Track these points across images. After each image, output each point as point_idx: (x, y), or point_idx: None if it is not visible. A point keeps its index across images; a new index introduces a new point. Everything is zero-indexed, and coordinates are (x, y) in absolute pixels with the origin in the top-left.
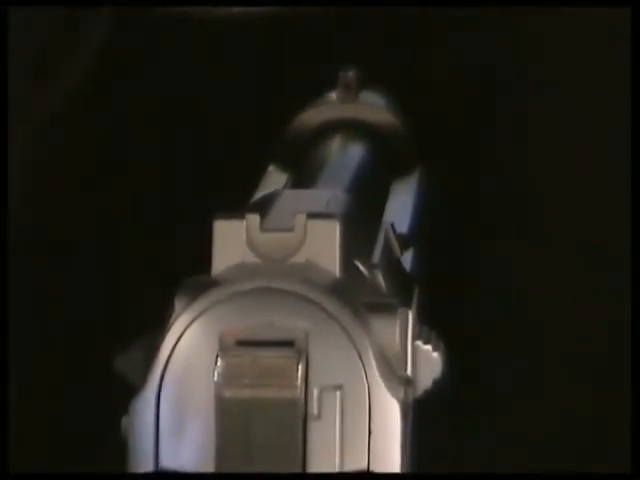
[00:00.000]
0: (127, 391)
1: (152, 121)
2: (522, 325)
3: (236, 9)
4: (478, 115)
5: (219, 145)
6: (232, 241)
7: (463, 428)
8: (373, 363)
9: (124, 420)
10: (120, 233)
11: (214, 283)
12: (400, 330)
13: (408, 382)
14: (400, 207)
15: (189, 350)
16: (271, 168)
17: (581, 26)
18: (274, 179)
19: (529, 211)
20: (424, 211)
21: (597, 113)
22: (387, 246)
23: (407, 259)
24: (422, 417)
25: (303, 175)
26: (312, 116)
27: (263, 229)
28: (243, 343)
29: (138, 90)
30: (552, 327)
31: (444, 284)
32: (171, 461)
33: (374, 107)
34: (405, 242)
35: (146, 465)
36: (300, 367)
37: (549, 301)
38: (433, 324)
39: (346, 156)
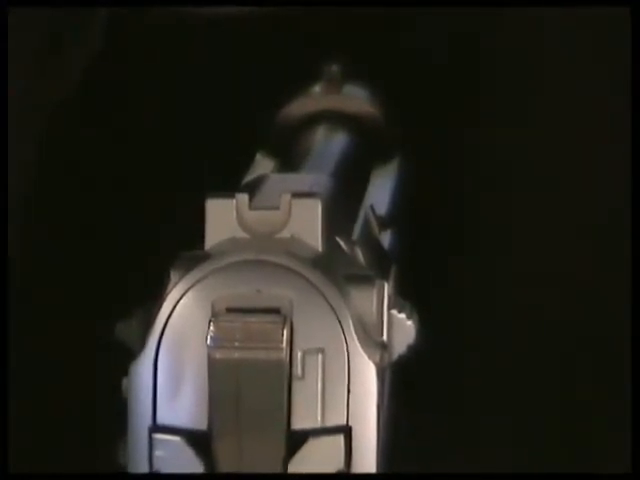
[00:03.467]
0: (127, 355)
1: (151, 120)
2: (521, 321)
3: (236, 9)
4: (475, 112)
5: (217, 140)
6: (223, 218)
7: (462, 427)
8: (352, 329)
9: (124, 381)
10: (120, 223)
11: (207, 256)
12: (377, 299)
13: (384, 347)
14: (380, 191)
15: (184, 316)
16: (259, 156)
17: (581, 26)
18: (262, 165)
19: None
20: (402, 195)
21: (597, 113)
22: (367, 225)
23: (386, 238)
24: (421, 415)
25: (289, 162)
26: (298, 107)
27: (252, 207)
28: (233, 310)
29: (137, 90)
30: (551, 324)
31: (420, 261)
32: (167, 418)
33: (356, 99)
34: (384, 223)
35: (144, 422)
36: (285, 332)
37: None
38: (409, 296)
39: (330, 144)
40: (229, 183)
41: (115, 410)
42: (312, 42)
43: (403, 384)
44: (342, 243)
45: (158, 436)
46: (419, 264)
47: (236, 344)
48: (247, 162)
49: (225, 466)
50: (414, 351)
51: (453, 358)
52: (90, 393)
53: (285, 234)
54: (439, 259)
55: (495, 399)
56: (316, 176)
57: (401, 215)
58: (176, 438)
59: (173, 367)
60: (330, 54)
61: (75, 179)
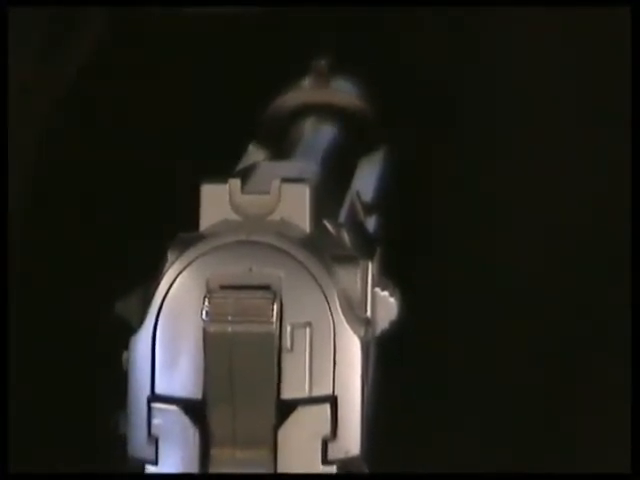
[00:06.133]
0: (127, 330)
1: (151, 114)
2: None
3: (231, 8)
4: (471, 109)
5: (212, 131)
6: (217, 202)
7: (462, 428)
8: (337, 305)
9: (124, 355)
10: (121, 209)
11: (201, 237)
12: (361, 278)
13: (368, 322)
14: (366, 178)
15: (180, 293)
16: (252, 146)
17: (581, 26)
18: (255, 155)
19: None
20: (387, 182)
21: (597, 113)
22: (352, 210)
23: (370, 223)
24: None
25: (280, 151)
26: (288, 101)
27: (244, 192)
28: (226, 287)
29: (137, 90)
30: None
31: (402, 243)
32: (164, 388)
33: (343, 92)
34: (369, 208)
35: (143, 392)
36: (275, 307)
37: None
38: (391, 276)
39: (318, 135)
40: (223, 171)
41: (114, 399)
42: (302, 40)
43: (385, 358)
44: (329, 226)
45: (156, 405)
46: (401, 246)
47: (229, 318)
48: (240, 152)
49: (219, 433)
50: (396, 326)
51: (435, 334)
52: (90, 393)
53: (275, 217)
54: (421, 241)
55: (495, 399)
56: (305, 164)
57: (385, 201)
58: (173, 407)
59: (170, 341)
60: (318, 50)
61: (76, 169)
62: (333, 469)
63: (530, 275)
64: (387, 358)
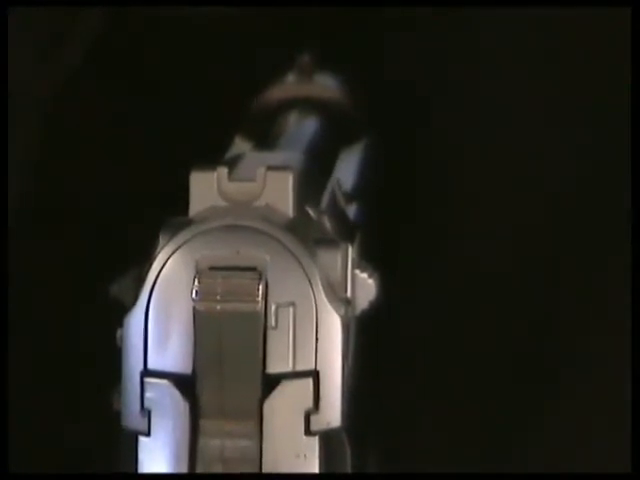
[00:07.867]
0: (121, 309)
1: (147, 110)
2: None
3: (222, 8)
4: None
5: (202, 123)
6: (205, 189)
7: (464, 429)
8: (320, 285)
9: (119, 332)
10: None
11: (191, 222)
12: (341, 260)
13: (348, 302)
14: (347, 168)
15: (171, 274)
16: (238, 138)
17: (581, 26)
18: (241, 146)
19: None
20: (367, 172)
21: (597, 113)
22: (333, 197)
23: (351, 210)
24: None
25: (265, 143)
26: (273, 94)
27: (231, 179)
28: (215, 268)
29: (136, 89)
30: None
31: (381, 228)
32: (156, 364)
33: (326, 86)
34: (349, 197)
35: (136, 367)
36: (261, 287)
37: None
38: (370, 259)
39: (302, 127)
40: (212, 161)
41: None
42: (287, 37)
43: (364, 336)
44: (311, 212)
45: (148, 380)
46: (380, 231)
47: (218, 298)
48: (228, 143)
49: (208, 406)
50: (375, 306)
51: (414, 316)
52: (90, 393)
53: (260, 203)
54: (397, 227)
55: (496, 400)
56: (289, 153)
57: (365, 190)
58: (164, 381)
59: (162, 319)
60: (303, 46)
61: (76, 168)
62: (315, 439)
63: (514, 261)
64: (367, 337)
